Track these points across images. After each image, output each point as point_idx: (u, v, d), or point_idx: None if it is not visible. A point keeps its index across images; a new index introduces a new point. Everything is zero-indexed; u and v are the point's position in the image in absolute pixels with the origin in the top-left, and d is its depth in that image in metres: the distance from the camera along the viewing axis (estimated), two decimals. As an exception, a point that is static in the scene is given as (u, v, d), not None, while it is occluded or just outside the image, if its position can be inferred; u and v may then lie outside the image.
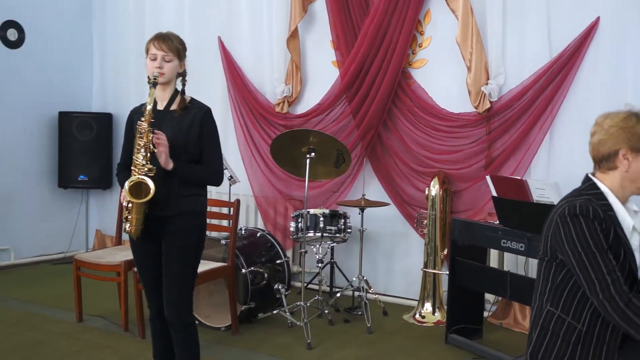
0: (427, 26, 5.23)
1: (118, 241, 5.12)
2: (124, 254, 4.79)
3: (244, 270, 4.61)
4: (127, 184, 3.02)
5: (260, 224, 5.95)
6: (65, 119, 6.78)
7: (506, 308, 4.81)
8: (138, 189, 3.01)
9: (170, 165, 3.04)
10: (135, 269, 4.31)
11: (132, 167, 3.08)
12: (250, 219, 6.06)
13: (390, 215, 5.36)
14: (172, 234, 3.15)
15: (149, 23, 6.67)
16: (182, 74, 3.23)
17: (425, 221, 4.96)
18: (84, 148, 6.77)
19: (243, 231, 5.05)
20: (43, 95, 6.76)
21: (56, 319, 4.87)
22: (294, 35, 5.68)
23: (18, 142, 6.58)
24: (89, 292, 4.96)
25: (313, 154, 4.68)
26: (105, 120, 6.90)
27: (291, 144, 4.75)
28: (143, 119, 3.03)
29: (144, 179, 3.00)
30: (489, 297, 4.83)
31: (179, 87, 3.25)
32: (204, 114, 3.19)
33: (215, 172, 3.27)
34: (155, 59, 3.12)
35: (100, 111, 7.10)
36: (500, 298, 4.76)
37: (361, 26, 5.33)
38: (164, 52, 3.12)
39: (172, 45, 3.14)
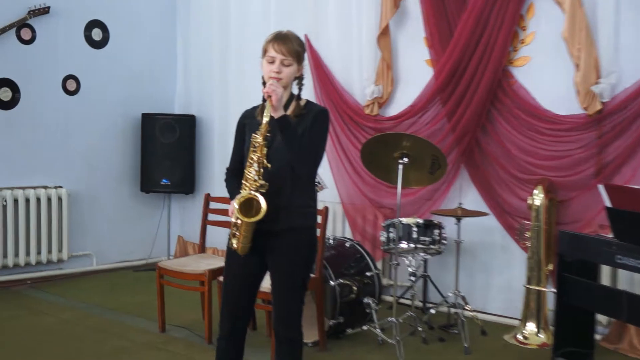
0: (530, 21, 5.08)
1: (201, 249, 5.18)
2: (208, 262, 4.86)
3: (332, 283, 4.59)
4: (237, 201, 2.96)
5: (348, 233, 5.93)
6: (149, 121, 6.96)
7: (621, 331, 4.59)
8: (248, 205, 2.96)
9: (279, 112, 2.94)
10: (220, 279, 4.36)
11: (243, 181, 3.02)
12: (337, 228, 6.05)
13: (490, 226, 5.23)
14: (281, 249, 3.10)
15: (234, 22, 6.81)
16: (299, 77, 3.15)
17: (528, 233, 4.80)
18: (166, 151, 6.93)
19: (331, 241, 5.03)
20: (127, 96, 6.98)
21: (139, 328, 4.99)
22: (384, 33, 5.63)
23: (101, 144, 6.81)
24: (171, 300, 5.05)
25: (406, 159, 4.60)
26: (188, 122, 7.04)
27: (383, 149, 4.69)
28: (258, 132, 2.96)
29: (255, 196, 2.94)
30: (601, 318, 4.63)
31: (295, 91, 3.17)
32: (318, 112, 3.14)
33: (312, 155, 3.09)
34: (273, 62, 3.05)
35: (183, 113, 7.25)
36: (613, 320, 4.55)
37: (457, 22, 5.23)
38: (284, 55, 3.03)
39: (292, 48, 3.05)
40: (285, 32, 3.13)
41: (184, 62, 7.43)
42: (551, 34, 4.94)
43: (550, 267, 4.75)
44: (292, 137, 2.99)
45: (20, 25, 6.09)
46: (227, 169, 3.34)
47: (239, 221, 3.00)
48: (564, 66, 4.86)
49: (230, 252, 3.18)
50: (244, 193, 2.97)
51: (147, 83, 7.17)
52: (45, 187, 6.29)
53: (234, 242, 3.07)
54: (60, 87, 6.46)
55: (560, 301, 4.20)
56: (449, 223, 5.00)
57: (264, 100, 3.12)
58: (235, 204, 2.96)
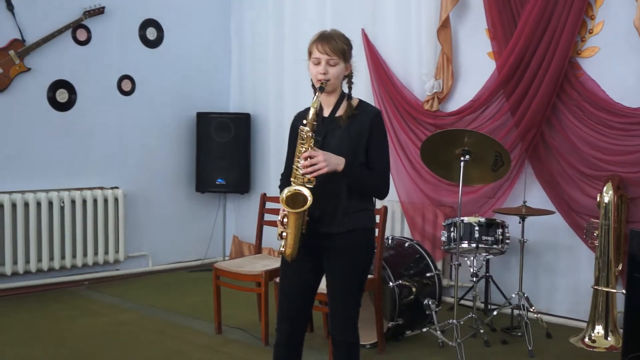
0: (598, 9, 5.03)
1: (257, 249, 5.30)
2: (265, 262, 4.98)
3: (391, 284, 4.63)
4: (284, 194, 2.98)
5: (407, 233, 5.97)
6: (204, 120, 7.14)
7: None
8: (295, 202, 2.98)
9: (340, 166, 3.02)
10: (277, 280, 4.46)
11: (291, 179, 3.06)
12: (395, 227, 6.09)
13: (555, 224, 5.22)
14: (338, 251, 3.14)
15: (289, 18, 6.91)
16: (349, 76, 3.19)
17: (597, 232, 4.76)
18: (222, 150, 7.09)
19: (390, 241, 5.06)
20: (181, 95, 7.18)
21: (195, 330, 5.13)
22: (445, 25, 5.67)
23: (157, 144, 7.02)
24: (227, 301, 5.19)
25: (467, 156, 4.62)
26: (243, 121, 7.19)
27: (443, 145, 4.73)
28: (305, 121, 3.00)
29: (299, 190, 2.98)
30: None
31: (346, 90, 3.22)
32: (373, 117, 3.15)
33: (384, 182, 3.20)
34: (319, 64, 3.09)
35: (238, 111, 7.41)
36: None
37: (521, 12, 5.23)
38: (328, 55, 3.07)
39: (336, 46, 3.08)
40: (329, 31, 3.18)
41: (238, 60, 7.58)
42: (622, 22, 4.90)
43: (620, 267, 4.71)
44: (361, 181, 3.11)
45: (76, 26, 6.33)
46: (282, 174, 3.35)
47: (285, 220, 3.04)
48: (635, 56, 4.84)
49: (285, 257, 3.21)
50: (290, 188, 3.00)
51: (201, 82, 7.36)
52: (101, 188, 6.53)
53: (281, 246, 3.08)
54: (115, 88, 6.69)
55: (630, 303, 4.19)
56: (512, 222, 5.01)
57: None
58: (282, 196, 2.99)
